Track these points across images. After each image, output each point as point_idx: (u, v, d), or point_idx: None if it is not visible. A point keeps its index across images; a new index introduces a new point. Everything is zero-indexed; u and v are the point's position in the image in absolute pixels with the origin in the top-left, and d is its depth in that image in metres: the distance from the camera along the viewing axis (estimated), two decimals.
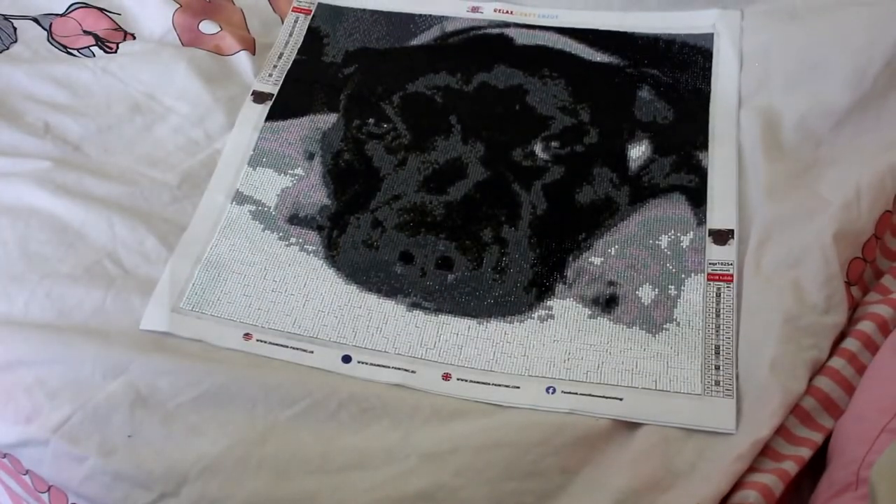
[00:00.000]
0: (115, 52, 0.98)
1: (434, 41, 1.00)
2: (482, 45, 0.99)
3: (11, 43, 0.98)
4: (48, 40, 0.99)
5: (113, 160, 0.88)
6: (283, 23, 1.03)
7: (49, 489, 0.72)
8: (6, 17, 1.00)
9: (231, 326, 0.76)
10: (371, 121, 0.92)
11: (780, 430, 0.67)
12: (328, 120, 0.93)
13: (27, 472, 0.72)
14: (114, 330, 0.75)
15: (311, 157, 0.89)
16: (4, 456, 0.73)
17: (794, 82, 0.89)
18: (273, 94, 0.95)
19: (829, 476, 0.63)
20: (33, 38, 0.99)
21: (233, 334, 0.76)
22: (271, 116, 0.93)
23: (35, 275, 0.78)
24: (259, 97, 0.94)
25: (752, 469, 0.65)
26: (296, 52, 0.99)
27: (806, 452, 0.66)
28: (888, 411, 0.61)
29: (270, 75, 0.97)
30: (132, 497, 0.68)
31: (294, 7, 1.04)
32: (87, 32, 0.99)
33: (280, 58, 0.99)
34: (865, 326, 0.71)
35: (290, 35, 1.01)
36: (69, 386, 0.71)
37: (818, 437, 0.67)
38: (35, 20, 1.00)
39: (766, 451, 0.66)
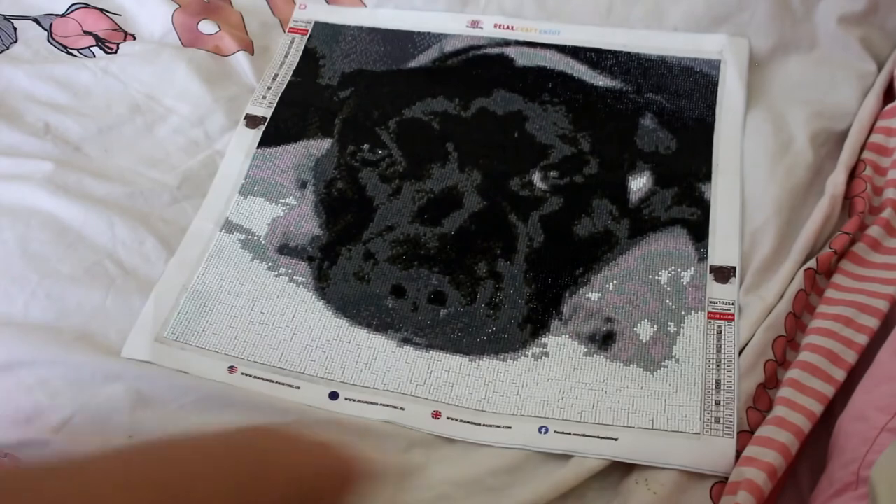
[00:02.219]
0: (116, 52, 0.98)
1: (433, 63, 0.98)
2: (481, 67, 0.97)
3: (12, 43, 0.98)
4: (48, 40, 0.99)
5: (113, 161, 0.88)
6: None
7: None
8: (6, 17, 1.00)
9: (215, 358, 0.75)
10: (366, 147, 0.90)
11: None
12: (322, 146, 0.91)
13: None
14: (114, 331, 0.76)
15: (303, 185, 0.87)
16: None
17: (801, 117, 0.87)
18: (266, 118, 0.93)
19: (828, 475, 0.62)
20: (34, 39, 0.99)
21: (217, 367, 0.74)
22: (264, 142, 0.91)
23: (35, 275, 0.78)
24: (252, 121, 0.93)
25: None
26: (291, 73, 0.98)
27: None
28: (888, 410, 0.60)
29: (264, 97, 0.95)
30: None
31: (290, 28, 1.03)
32: (87, 33, 0.99)
33: (274, 79, 0.97)
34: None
35: (286, 56, 1.00)
36: (70, 387, 0.71)
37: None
38: (35, 20, 1.01)
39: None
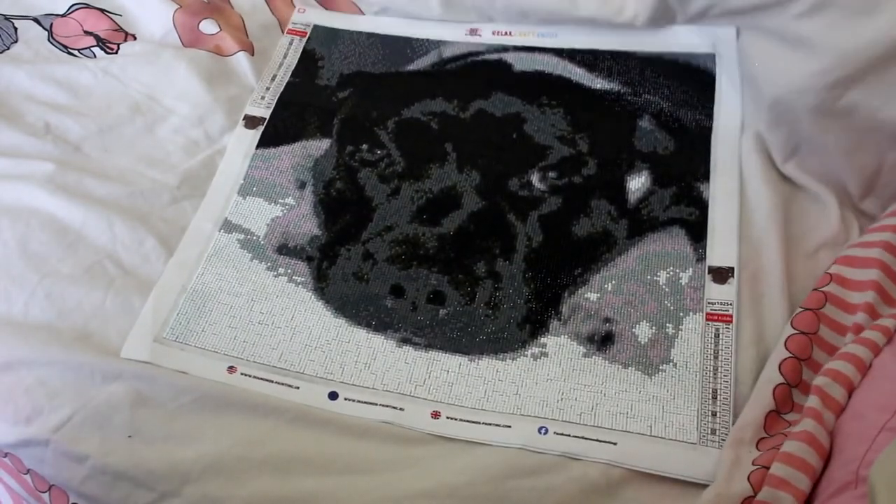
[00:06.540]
0: (116, 52, 0.98)
1: (431, 67, 0.98)
2: (480, 71, 0.97)
3: (12, 43, 0.98)
4: (49, 41, 0.99)
5: (113, 161, 0.88)
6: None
7: (50, 489, 0.72)
8: (7, 17, 1.00)
9: (215, 359, 0.75)
10: (364, 147, 0.90)
11: None
12: (320, 146, 0.91)
13: (28, 471, 0.72)
14: (114, 330, 0.76)
15: (302, 185, 0.87)
16: (5, 455, 0.73)
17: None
18: (265, 119, 0.93)
19: (828, 475, 0.62)
20: (34, 39, 0.99)
21: (216, 367, 0.74)
22: (263, 142, 0.91)
23: (35, 275, 0.78)
24: (251, 122, 0.93)
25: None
26: (289, 74, 0.98)
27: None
28: (888, 409, 0.60)
29: (263, 98, 0.95)
30: (133, 496, 0.68)
31: (289, 29, 1.03)
32: (87, 33, 1.00)
33: (273, 80, 0.97)
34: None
35: (285, 58, 1.00)
36: (69, 386, 0.72)
37: None
38: (36, 20, 1.01)
39: None
